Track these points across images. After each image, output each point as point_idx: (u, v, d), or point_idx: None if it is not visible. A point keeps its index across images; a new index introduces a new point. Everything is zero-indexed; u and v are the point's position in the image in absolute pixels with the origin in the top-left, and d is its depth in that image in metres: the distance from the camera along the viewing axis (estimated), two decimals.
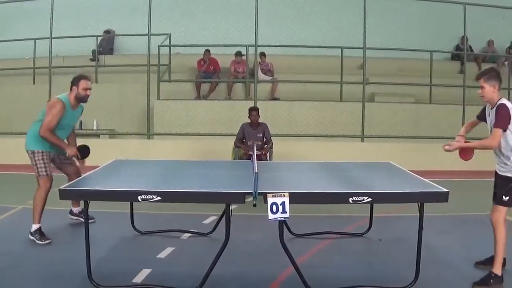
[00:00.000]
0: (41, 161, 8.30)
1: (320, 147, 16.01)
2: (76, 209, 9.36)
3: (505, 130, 6.45)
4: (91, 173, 7.29)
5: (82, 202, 8.56)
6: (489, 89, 6.57)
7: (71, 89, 8.44)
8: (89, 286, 6.11)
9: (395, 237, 8.64)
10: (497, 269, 6.52)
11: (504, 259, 6.80)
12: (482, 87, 6.60)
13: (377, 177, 7.65)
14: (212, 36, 18.98)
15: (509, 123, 6.44)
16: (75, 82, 8.42)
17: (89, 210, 6.19)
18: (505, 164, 6.60)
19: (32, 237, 8.13)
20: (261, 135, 12.60)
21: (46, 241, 8.06)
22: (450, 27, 20.06)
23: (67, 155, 8.60)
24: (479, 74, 6.74)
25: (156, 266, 7.01)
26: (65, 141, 8.70)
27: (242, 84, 18.77)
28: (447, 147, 6.80)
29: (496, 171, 6.81)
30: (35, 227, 8.18)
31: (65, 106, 8.30)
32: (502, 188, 6.63)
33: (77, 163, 8.84)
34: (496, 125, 6.45)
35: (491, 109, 6.67)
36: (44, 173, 8.28)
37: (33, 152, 8.31)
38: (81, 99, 8.50)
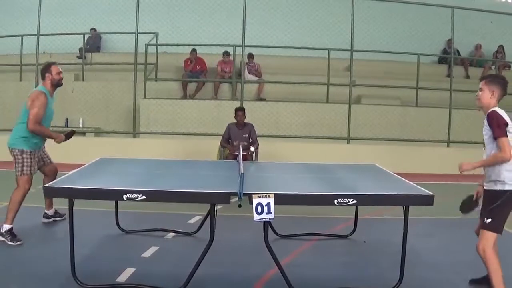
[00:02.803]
0: (29, 160, 8.20)
1: (306, 148, 16.01)
2: (50, 212, 9.22)
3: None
4: (76, 172, 7.24)
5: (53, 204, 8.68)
6: (487, 93, 6.03)
7: (44, 78, 8.48)
8: (73, 285, 6.08)
9: (379, 239, 8.67)
10: None
11: None
12: (480, 89, 6.10)
13: (362, 179, 7.65)
14: (199, 36, 18.95)
15: (505, 129, 5.86)
16: (46, 69, 8.48)
17: (73, 208, 6.13)
18: (495, 174, 5.92)
19: (2, 238, 7.85)
20: (247, 135, 12.59)
21: (18, 242, 7.79)
22: (438, 30, 20.15)
23: (56, 141, 8.54)
24: (484, 76, 6.35)
25: (140, 265, 6.99)
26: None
27: (228, 84, 18.79)
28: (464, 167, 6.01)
29: (483, 186, 6.22)
30: (6, 227, 7.90)
31: (47, 96, 8.30)
32: (485, 208, 6.04)
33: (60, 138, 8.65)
34: (496, 134, 5.84)
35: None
36: (28, 172, 8.16)
37: (21, 151, 8.19)
38: (57, 84, 8.53)
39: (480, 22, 20.48)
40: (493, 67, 21.12)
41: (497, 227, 5.89)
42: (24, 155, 8.18)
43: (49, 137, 8.48)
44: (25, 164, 8.17)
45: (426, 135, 17.03)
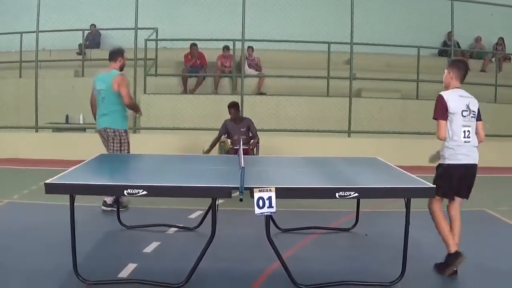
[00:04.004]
0: (128, 139, 9.37)
1: (306, 142, 16.00)
2: (109, 199, 9.59)
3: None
4: (76, 167, 7.23)
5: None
6: (446, 75, 6.82)
7: (116, 61, 9.72)
8: (75, 281, 6.08)
9: (381, 232, 8.65)
10: (451, 249, 6.68)
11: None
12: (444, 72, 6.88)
13: (363, 172, 7.65)
14: (199, 31, 18.90)
15: (444, 112, 6.58)
16: (120, 53, 9.86)
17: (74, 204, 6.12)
18: (442, 150, 6.78)
19: (110, 208, 9.40)
20: (245, 129, 12.59)
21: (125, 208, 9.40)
22: (438, 23, 20.11)
23: (139, 114, 11.06)
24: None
25: (142, 260, 6.99)
26: None
27: (229, 78, 18.75)
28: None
29: None
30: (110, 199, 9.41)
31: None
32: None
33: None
34: (434, 116, 6.66)
35: None
36: (127, 151, 9.32)
37: (126, 132, 9.49)
38: (123, 68, 9.88)
39: (480, 14, 20.41)
40: (493, 59, 21.08)
41: (437, 192, 6.39)
42: (128, 135, 9.47)
43: (137, 110, 10.33)
44: (127, 143, 9.41)
45: (427, 127, 16.81)
